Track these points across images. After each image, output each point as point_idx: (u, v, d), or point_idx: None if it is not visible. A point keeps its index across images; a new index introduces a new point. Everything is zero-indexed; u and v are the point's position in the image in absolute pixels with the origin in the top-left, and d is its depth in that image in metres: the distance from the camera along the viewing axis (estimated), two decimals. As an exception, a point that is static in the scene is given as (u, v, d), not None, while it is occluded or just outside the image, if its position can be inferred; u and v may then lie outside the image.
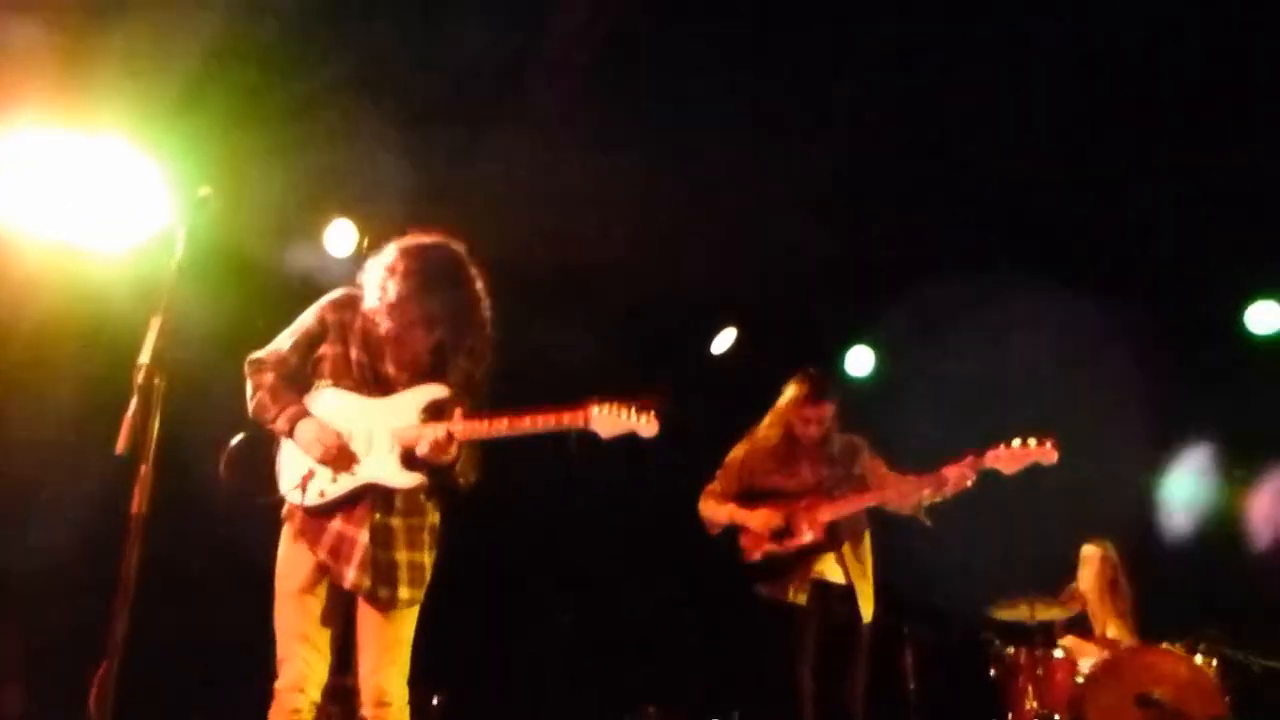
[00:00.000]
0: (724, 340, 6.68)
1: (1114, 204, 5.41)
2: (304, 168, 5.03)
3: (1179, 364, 5.84)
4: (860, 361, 6.79)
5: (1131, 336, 5.66)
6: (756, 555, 4.37)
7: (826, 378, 4.56)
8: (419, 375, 3.04)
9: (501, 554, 5.77)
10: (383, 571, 2.92)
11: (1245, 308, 6.11)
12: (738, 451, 4.61)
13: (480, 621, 5.65)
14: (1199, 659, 4.70)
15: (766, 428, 4.53)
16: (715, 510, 4.49)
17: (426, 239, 3.08)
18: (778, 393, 4.61)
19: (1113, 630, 5.18)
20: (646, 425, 2.98)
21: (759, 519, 4.36)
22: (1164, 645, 4.81)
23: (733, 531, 4.43)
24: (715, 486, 4.56)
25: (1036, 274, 5.46)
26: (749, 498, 4.45)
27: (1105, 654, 4.90)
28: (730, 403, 5.25)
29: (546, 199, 5.45)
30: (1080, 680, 4.82)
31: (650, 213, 5.57)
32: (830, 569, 4.35)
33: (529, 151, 5.14)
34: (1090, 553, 5.28)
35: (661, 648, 5.87)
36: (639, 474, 5.54)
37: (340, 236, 5.45)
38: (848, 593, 4.33)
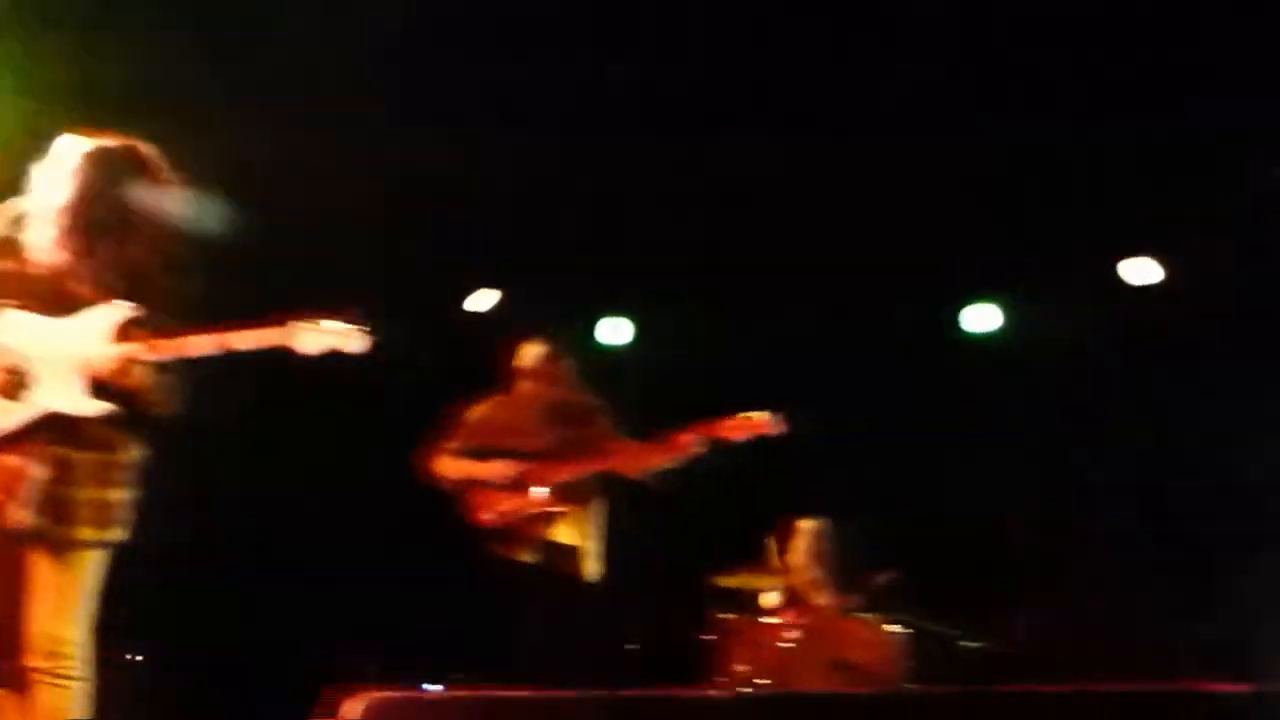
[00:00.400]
0: (482, 299, 6.68)
1: (837, 201, 5.76)
2: (35, 77, 4.66)
3: (898, 358, 6.32)
4: (615, 330, 6.93)
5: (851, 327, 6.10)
6: (489, 515, 4.44)
7: (562, 339, 4.67)
8: (110, 292, 2.78)
9: (228, 498, 5.57)
10: (58, 510, 2.71)
11: (962, 309, 6.69)
12: (475, 410, 4.65)
13: (193, 574, 5.43)
14: (890, 628, 5.13)
15: (510, 388, 4.59)
16: (449, 466, 4.52)
17: (109, 141, 2.86)
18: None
19: (820, 601, 5.56)
20: (353, 340, 2.85)
21: (492, 470, 4.43)
22: (861, 615, 5.22)
23: (466, 490, 4.48)
24: (451, 444, 4.58)
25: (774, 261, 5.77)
26: (484, 457, 4.50)
27: (807, 622, 5.28)
28: (479, 361, 5.27)
29: (300, 131, 5.23)
30: (784, 645, 5.16)
31: (411, 160, 5.46)
32: (560, 530, 4.48)
33: (280, 79, 4.92)
34: (803, 527, 5.64)
35: (384, 608, 5.82)
36: (375, 428, 5.47)
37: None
38: (576, 554, 4.48)
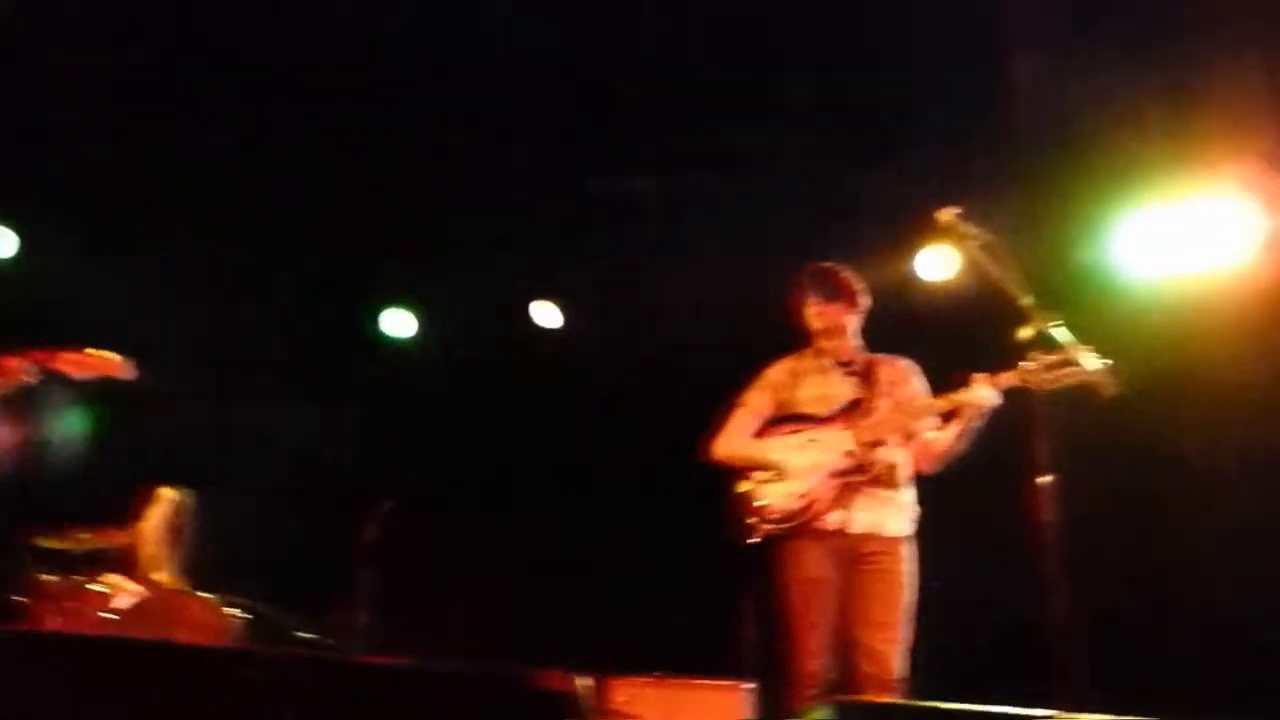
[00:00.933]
0: None
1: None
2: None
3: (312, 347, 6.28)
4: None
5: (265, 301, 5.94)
6: None
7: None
8: None
9: None
10: None
11: (381, 313, 6.81)
12: None
13: None
14: (229, 610, 4.98)
15: None
16: None
17: None
18: None
19: (161, 575, 5.25)
20: None
21: None
22: (200, 594, 5.01)
23: None
24: None
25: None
26: None
27: (142, 594, 4.96)
28: None
29: None
30: (108, 615, 4.80)
31: None
32: None
33: None
34: (162, 495, 5.31)
35: None
36: None
37: None
38: None
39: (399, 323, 6.81)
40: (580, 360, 6.55)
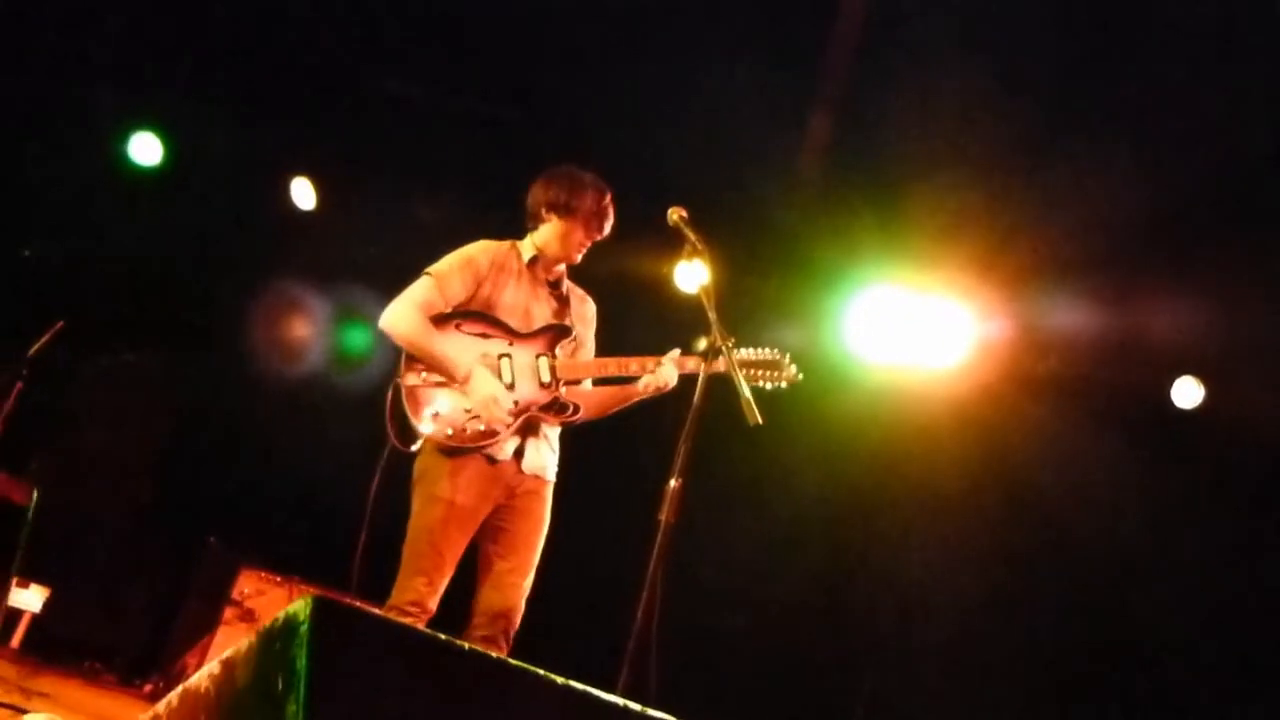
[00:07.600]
0: None
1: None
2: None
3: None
4: None
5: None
6: None
7: None
8: None
9: None
10: None
11: (130, 138, 6.52)
12: None
13: None
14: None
15: None
16: None
17: None
18: None
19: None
20: None
21: None
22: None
23: None
24: None
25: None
26: None
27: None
28: None
29: None
30: None
31: None
32: None
33: None
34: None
35: None
36: None
37: None
38: None
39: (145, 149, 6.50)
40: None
